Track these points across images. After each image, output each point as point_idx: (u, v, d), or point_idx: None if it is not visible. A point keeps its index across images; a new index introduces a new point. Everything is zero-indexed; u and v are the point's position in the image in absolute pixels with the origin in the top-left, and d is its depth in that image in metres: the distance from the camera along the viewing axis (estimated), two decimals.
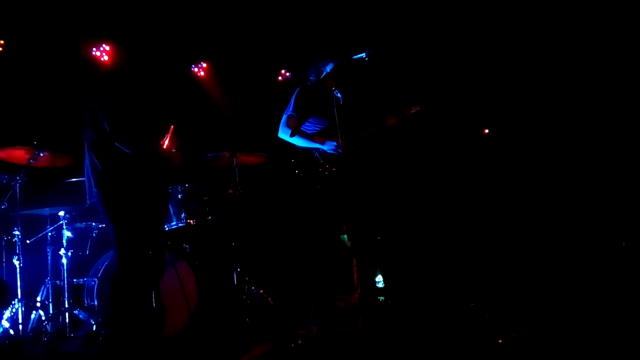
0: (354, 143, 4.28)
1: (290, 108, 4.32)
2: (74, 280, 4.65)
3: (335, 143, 4.16)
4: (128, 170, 3.52)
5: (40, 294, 4.63)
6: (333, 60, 4.30)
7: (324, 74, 4.29)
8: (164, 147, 3.72)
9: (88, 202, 3.68)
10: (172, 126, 3.75)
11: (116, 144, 3.48)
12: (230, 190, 5.05)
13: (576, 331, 3.56)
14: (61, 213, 4.66)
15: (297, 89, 4.38)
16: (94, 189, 3.57)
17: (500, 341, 3.46)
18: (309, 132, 4.34)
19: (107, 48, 5.42)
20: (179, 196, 4.85)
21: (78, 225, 4.77)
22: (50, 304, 4.58)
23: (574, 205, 5.45)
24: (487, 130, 5.83)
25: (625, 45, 5.36)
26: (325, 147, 4.23)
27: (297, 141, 4.30)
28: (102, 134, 3.51)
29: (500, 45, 5.79)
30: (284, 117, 4.35)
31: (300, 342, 3.86)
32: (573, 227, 5.32)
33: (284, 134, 4.33)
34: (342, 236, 4.54)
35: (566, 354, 3.23)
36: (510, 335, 3.54)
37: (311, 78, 4.40)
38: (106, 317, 3.79)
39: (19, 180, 4.49)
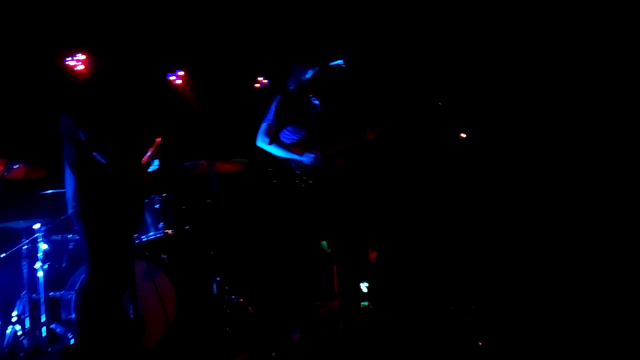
0: (333, 155, 4.24)
1: (270, 116, 4.29)
2: (51, 293, 4.58)
3: (313, 155, 4.13)
4: (104, 183, 3.47)
5: (17, 308, 4.55)
6: (312, 67, 4.28)
7: (304, 81, 4.27)
8: (145, 159, 3.69)
9: (68, 213, 3.63)
10: (158, 139, 3.72)
11: (93, 154, 3.43)
12: (209, 200, 5.03)
13: (555, 334, 3.59)
14: (36, 226, 4.59)
15: (278, 97, 4.35)
16: (70, 202, 3.52)
17: (480, 344, 3.48)
18: (287, 141, 4.31)
19: (82, 57, 5.37)
20: (156, 206, 4.81)
21: (54, 237, 4.70)
22: (27, 319, 4.50)
23: (552, 208, 5.50)
24: (463, 135, 5.87)
25: (603, 46, 5.43)
26: (303, 159, 4.19)
27: (275, 151, 4.27)
28: (78, 146, 3.47)
29: (476, 49, 5.85)
30: (263, 125, 4.32)
31: (281, 350, 3.84)
32: (551, 230, 5.37)
33: (262, 143, 4.30)
34: (321, 243, 4.54)
35: (545, 356, 3.26)
36: (490, 338, 3.56)
37: (291, 87, 4.38)
38: (76, 333, 3.73)
39: None
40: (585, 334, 3.48)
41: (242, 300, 4.88)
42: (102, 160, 3.43)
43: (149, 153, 3.69)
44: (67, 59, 5.34)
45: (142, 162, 3.68)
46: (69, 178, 3.54)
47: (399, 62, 5.98)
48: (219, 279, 4.84)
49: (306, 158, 4.18)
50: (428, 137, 5.92)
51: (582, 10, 5.38)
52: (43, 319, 4.44)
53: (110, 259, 3.43)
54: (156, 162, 3.81)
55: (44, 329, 4.42)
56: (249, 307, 4.85)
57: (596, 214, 5.18)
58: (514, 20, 5.68)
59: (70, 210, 3.52)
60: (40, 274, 4.53)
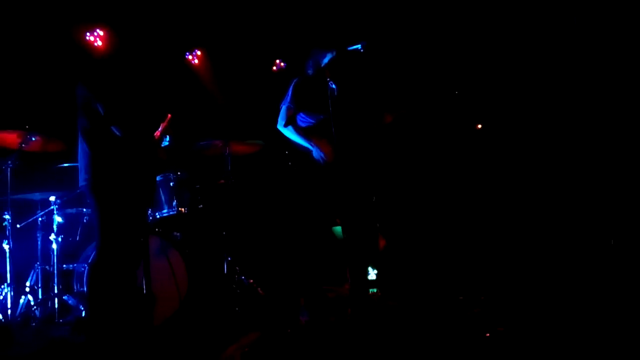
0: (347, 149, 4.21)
1: (288, 99, 4.28)
2: (64, 265, 4.64)
3: (324, 154, 4.13)
4: (117, 156, 3.48)
5: (30, 278, 4.62)
6: (331, 51, 4.26)
7: (322, 65, 4.25)
8: (157, 135, 3.71)
9: (80, 186, 3.65)
10: (169, 115, 3.74)
11: (112, 127, 3.44)
12: (222, 180, 5.05)
13: (563, 326, 3.59)
14: (52, 198, 4.64)
15: (295, 80, 4.33)
16: (83, 174, 3.54)
17: (487, 335, 3.48)
18: (304, 124, 4.30)
19: (101, 33, 5.38)
20: (171, 184, 4.84)
21: (69, 210, 4.75)
22: (40, 289, 4.57)
23: (564, 201, 5.48)
24: (480, 126, 5.84)
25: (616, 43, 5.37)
26: (313, 151, 4.20)
27: (290, 134, 4.27)
28: (94, 118, 3.48)
29: (494, 40, 5.80)
30: (283, 108, 4.30)
31: (288, 331, 3.87)
32: (562, 223, 5.35)
33: (281, 126, 4.30)
34: (333, 228, 4.55)
35: (552, 348, 3.26)
36: (497, 330, 3.56)
37: (309, 72, 4.36)
38: (86, 307, 3.77)
39: (10, 164, 4.48)
40: (592, 328, 3.48)
41: (252, 281, 4.92)
42: (119, 134, 3.45)
43: (160, 128, 3.71)
44: (87, 34, 5.38)
45: (155, 137, 3.70)
46: (82, 151, 3.55)
47: (417, 49, 5.94)
48: (230, 259, 4.87)
49: (315, 151, 4.19)
50: (444, 126, 5.90)
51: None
52: (56, 290, 4.50)
53: (120, 234, 3.45)
54: (167, 139, 3.84)
55: (56, 300, 4.49)
56: (259, 289, 4.88)
57: (607, 208, 5.15)
58: (533, 14, 5.63)
59: (82, 183, 3.53)
60: (54, 246, 4.59)
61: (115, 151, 3.48)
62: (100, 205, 3.46)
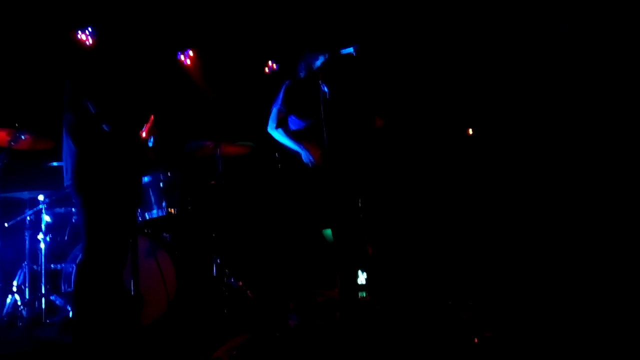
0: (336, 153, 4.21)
1: (279, 101, 4.28)
2: (52, 265, 4.61)
3: (312, 158, 4.12)
4: (105, 155, 3.43)
5: (17, 278, 4.59)
6: (323, 54, 4.26)
7: (314, 68, 4.25)
8: (142, 136, 3.69)
9: (65, 185, 3.61)
10: (152, 116, 3.71)
11: (103, 125, 3.41)
12: (213, 181, 5.04)
13: (551, 332, 3.61)
14: (41, 197, 4.61)
15: (286, 82, 4.33)
16: (69, 173, 3.48)
17: (475, 340, 3.49)
18: (295, 127, 4.30)
19: (93, 31, 5.35)
20: (161, 185, 4.81)
21: (57, 210, 4.72)
22: (27, 289, 4.53)
23: (553, 206, 5.50)
24: (470, 131, 5.86)
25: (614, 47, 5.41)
26: (302, 154, 4.19)
27: (280, 137, 4.26)
28: (82, 115, 3.42)
29: (485, 45, 5.82)
30: (273, 110, 4.30)
31: (277, 334, 3.87)
32: (550, 229, 5.38)
33: (271, 129, 4.29)
34: (323, 231, 4.55)
35: (541, 354, 3.28)
36: (485, 335, 3.57)
37: (301, 74, 4.36)
38: (73, 307, 3.75)
39: None
40: (581, 333, 3.50)
41: (241, 283, 4.91)
42: (109, 132, 3.41)
43: (145, 129, 3.69)
44: (78, 31, 5.35)
45: (142, 138, 3.68)
46: (67, 149, 3.49)
47: (410, 53, 5.96)
48: (219, 261, 4.86)
49: (304, 155, 4.18)
50: (435, 131, 5.91)
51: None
52: (43, 290, 4.47)
53: (107, 234, 3.40)
54: (151, 139, 3.81)
55: (43, 300, 4.46)
56: (248, 291, 4.87)
57: (595, 212, 5.18)
58: (523, 17, 5.66)
59: (67, 182, 3.48)
60: (42, 245, 4.56)
61: (103, 150, 3.43)
62: (87, 205, 3.41)
